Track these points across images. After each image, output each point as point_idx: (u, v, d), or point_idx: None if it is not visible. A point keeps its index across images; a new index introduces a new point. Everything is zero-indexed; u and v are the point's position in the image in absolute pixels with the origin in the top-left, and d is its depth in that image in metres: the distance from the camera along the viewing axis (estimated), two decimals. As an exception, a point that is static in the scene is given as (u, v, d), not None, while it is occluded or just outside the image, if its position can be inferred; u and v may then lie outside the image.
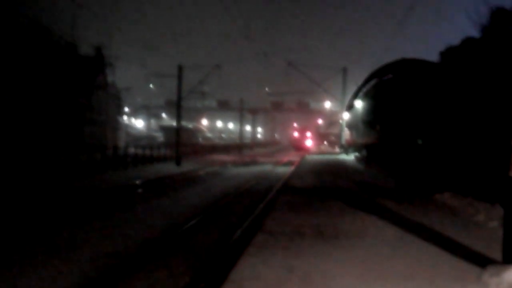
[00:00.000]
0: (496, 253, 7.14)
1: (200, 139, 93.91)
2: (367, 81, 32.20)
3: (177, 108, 40.48)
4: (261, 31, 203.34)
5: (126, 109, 74.02)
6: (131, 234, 10.89)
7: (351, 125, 47.36)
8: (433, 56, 21.34)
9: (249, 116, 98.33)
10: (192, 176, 27.21)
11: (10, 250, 9.24)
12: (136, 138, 70.16)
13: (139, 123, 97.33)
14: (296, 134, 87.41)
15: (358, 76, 43.51)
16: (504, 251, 6.60)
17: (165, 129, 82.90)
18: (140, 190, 19.77)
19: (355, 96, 37.16)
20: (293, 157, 52.10)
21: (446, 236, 9.09)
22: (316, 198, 14.46)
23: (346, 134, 51.12)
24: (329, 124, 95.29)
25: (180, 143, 39.26)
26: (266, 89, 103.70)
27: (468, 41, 17.70)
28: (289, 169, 31.22)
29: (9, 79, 28.08)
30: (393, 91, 23.71)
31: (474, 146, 14.56)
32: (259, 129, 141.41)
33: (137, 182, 22.21)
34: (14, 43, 28.43)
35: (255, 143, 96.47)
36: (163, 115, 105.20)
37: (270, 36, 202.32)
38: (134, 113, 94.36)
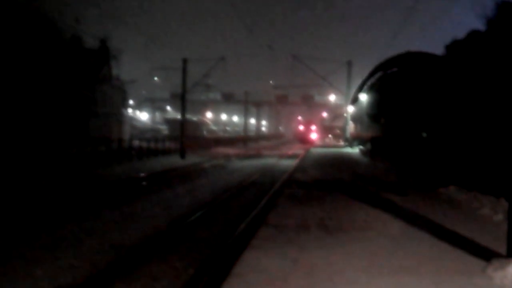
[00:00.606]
0: (500, 247, 7.14)
1: (205, 132, 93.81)
2: (372, 74, 32.18)
3: (181, 101, 40.49)
4: (266, 24, 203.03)
5: (131, 102, 74.16)
6: (136, 228, 10.93)
7: (355, 119, 47.31)
8: (438, 49, 21.25)
9: (253, 109, 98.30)
10: (197, 169, 27.23)
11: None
12: (141, 131, 70.21)
13: (143, 116, 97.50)
14: (301, 127, 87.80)
15: (363, 70, 43.33)
16: (508, 245, 6.59)
17: (169, 122, 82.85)
18: (144, 183, 19.81)
19: (360, 89, 37.14)
20: (298, 150, 52.04)
21: (450, 230, 9.08)
22: (320, 192, 14.47)
23: (351, 127, 51.06)
24: (333, 118, 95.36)
25: (185, 136, 39.27)
26: (271, 82, 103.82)
27: (473, 34, 17.63)
28: (293, 162, 31.18)
29: (15, 72, 28.12)
30: (398, 84, 23.66)
31: (479, 139, 14.52)
32: (264, 122, 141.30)
33: (142, 175, 22.25)
34: (19, 36, 28.45)
35: (259, 136, 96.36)
36: (168, 108, 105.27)
37: (274, 29, 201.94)
38: (138, 106, 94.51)
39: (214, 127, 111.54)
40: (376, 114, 29.67)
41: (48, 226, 10.76)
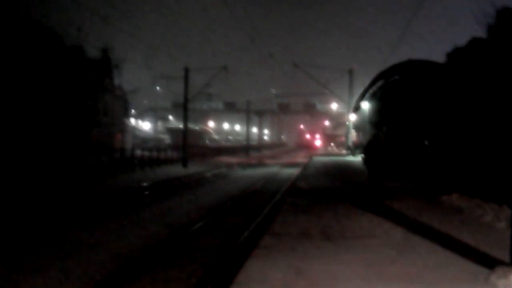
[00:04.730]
0: (504, 255, 7.10)
1: (207, 141, 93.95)
2: (373, 82, 32.15)
3: (183, 110, 40.54)
4: (267, 33, 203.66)
5: (133, 111, 74.14)
6: (133, 240, 10.94)
7: (358, 127, 47.30)
8: (439, 57, 21.24)
9: (255, 118, 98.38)
10: (199, 178, 27.23)
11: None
12: (143, 140, 70.26)
13: (146, 125, 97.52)
14: (307, 135, 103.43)
15: (364, 78, 43.35)
16: (511, 253, 6.56)
17: (172, 131, 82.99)
18: (146, 193, 19.81)
19: (362, 97, 37.10)
20: (300, 158, 52.05)
21: (453, 237, 9.05)
22: (322, 200, 14.44)
23: (353, 135, 51.00)
24: (335, 126, 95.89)
25: (187, 145, 39.29)
26: (273, 90, 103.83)
27: (474, 42, 17.62)
28: (296, 171, 31.19)
29: (17, 82, 28.21)
30: (399, 92, 23.68)
31: (482, 147, 14.49)
32: (266, 131, 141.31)
33: (144, 185, 22.24)
34: (22, 46, 28.56)
35: (261, 145, 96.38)
36: (170, 117, 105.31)
37: (276, 38, 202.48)
38: (141, 115, 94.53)
39: (216, 136, 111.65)
40: (378, 122, 29.66)
41: (46, 238, 10.77)
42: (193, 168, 34.04)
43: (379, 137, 15.73)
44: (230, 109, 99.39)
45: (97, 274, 8.10)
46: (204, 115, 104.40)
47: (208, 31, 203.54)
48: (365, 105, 36.53)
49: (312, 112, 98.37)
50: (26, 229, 11.73)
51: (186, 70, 39.13)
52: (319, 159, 41.87)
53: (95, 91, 41.67)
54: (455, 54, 19.09)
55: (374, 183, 15.30)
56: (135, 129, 77.20)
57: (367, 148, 15.74)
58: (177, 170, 32.12)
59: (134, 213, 14.34)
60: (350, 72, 49.74)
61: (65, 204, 15.83)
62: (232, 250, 9.71)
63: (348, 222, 10.65)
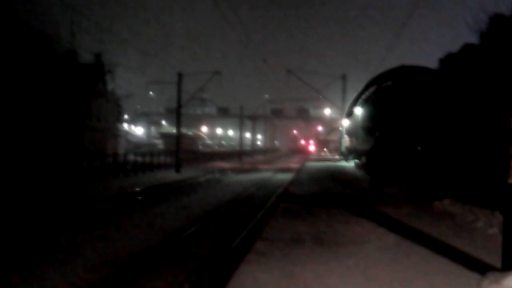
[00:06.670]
0: (495, 260, 7.13)
1: (200, 146, 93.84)
2: (366, 88, 32.22)
3: (177, 115, 40.44)
4: (261, 39, 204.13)
5: (126, 116, 73.94)
6: (131, 244, 10.89)
7: (351, 132, 47.33)
8: (432, 63, 21.33)
9: (249, 123, 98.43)
10: (192, 183, 27.16)
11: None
12: (136, 145, 70.05)
13: (139, 130, 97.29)
14: (301, 141, 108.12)
15: (357, 83, 43.35)
16: (503, 258, 6.59)
17: (165, 136, 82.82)
18: (140, 198, 19.75)
19: (355, 103, 37.16)
20: (293, 164, 52.04)
21: (445, 243, 9.07)
22: (315, 206, 14.44)
23: (346, 141, 51.06)
24: (329, 131, 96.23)
25: (180, 150, 39.20)
26: (266, 96, 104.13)
27: (467, 48, 17.72)
28: (288, 176, 31.17)
29: (9, 87, 28.10)
30: (392, 98, 23.71)
31: (474, 153, 14.55)
32: (259, 136, 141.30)
33: (137, 189, 22.17)
34: (14, 51, 28.46)
35: (255, 150, 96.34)
36: (163, 122, 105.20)
37: (270, 44, 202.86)
38: (134, 120, 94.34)
39: (209, 141, 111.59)
40: (371, 127, 29.70)
41: (39, 243, 10.73)
42: (186, 173, 33.97)
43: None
44: (224, 114, 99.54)
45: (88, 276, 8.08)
46: (198, 120, 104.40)
47: (202, 36, 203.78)
48: (358, 111, 36.58)
49: (305, 117, 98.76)
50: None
51: (179, 75, 39.07)
52: (312, 165, 41.89)
53: (88, 96, 41.55)
54: (447, 60, 19.19)
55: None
56: (128, 134, 76.97)
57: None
58: (170, 175, 32.04)
59: (126, 218, 14.29)
60: (343, 78, 49.82)
61: (55, 209, 15.75)
62: (225, 255, 9.68)
63: (341, 228, 10.66)
